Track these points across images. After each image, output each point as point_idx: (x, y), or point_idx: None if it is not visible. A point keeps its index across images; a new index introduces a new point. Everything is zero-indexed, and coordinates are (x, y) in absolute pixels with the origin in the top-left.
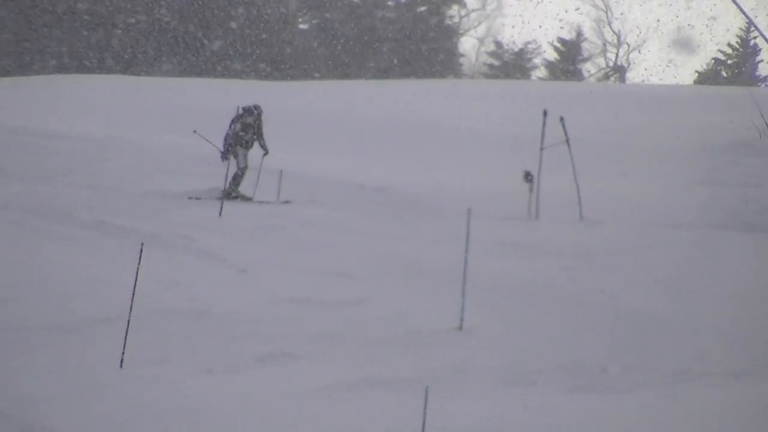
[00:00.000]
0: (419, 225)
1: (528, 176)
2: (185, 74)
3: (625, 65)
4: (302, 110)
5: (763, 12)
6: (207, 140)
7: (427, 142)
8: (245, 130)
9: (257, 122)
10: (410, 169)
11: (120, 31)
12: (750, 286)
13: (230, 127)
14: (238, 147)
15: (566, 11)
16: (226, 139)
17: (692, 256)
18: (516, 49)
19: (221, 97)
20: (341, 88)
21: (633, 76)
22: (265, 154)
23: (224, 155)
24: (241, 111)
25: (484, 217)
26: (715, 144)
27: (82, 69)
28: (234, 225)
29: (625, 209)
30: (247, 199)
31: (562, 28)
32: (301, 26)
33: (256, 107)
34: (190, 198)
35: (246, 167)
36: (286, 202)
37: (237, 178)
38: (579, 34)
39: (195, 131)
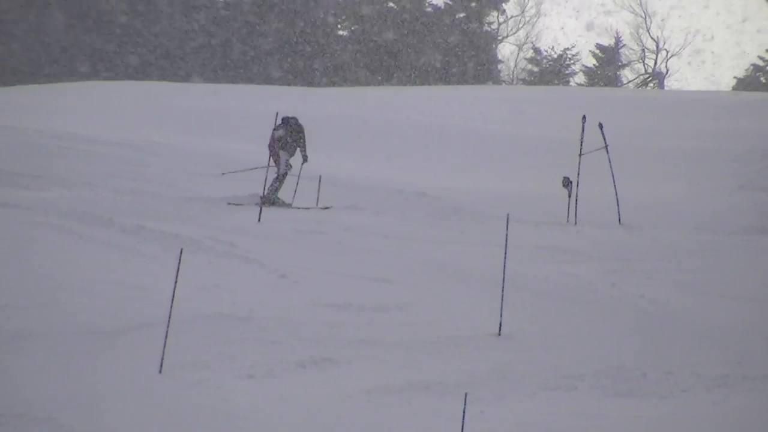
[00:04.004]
0: (459, 230)
1: (566, 182)
2: (224, 80)
3: (664, 71)
4: (341, 116)
5: None
6: (238, 171)
7: (466, 148)
8: (286, 137)
9: (295, 134)
10: (450, 174)
11: (161, 39)
12: None
13: (273, 133)
14: (280, 151)
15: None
16: (269, 146)
17: (733, 261)
18: (555, 56)
19: (262, 103)
20: (379, 94)
21: (672, 82)
22: (304, 162)
23: (276, 161)
24: (281, 120)
25: (523, 222)
26: (756, 149)
27: (123, 75)
28: (273, 230)
29: (664, 214)
30: (286, 206)
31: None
32: (340, 32)
33: (293, 119)
34: (229, 204)
35: (286, 173)
36: (326, 208)
37: (275, 184)
38: (617, 40)
39: (223, 173)
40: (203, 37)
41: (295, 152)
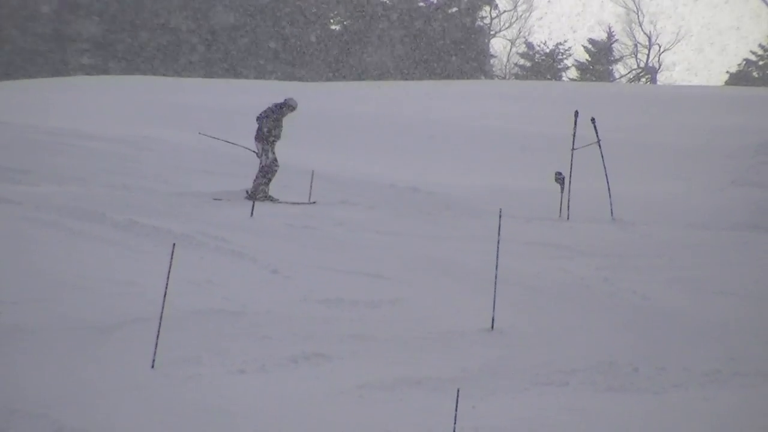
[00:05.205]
0: (451, 225)
1: (559, 177)
2: (217, 75)
3: (656, 66)
4: (333, 111)
5: None
6: (214, 138)
7: (458, 143)
8: (264, 125)
9: (263, 121)
10: (442, 169)
11: (153, 33)
12: None
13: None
14: (256, 142)
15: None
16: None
17: (725, 256)
18: (547, 50)
19: (255, 98)
20: (372, 89)
21: (664, 77)
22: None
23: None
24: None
25: (515, 218)
26: (748, 145)
27: (116, 70)
28: (266, 226)
29: (656, 210)
30: (272, 201)
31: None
32: (333, 27)
33: (284, 104)
34: (215, 199)
35: (269, 165)
36: (312, 203)
37: (258, 178)
38: (610, 35)
39: (200, 132)
40: (198, 32)
41: (274, 142)
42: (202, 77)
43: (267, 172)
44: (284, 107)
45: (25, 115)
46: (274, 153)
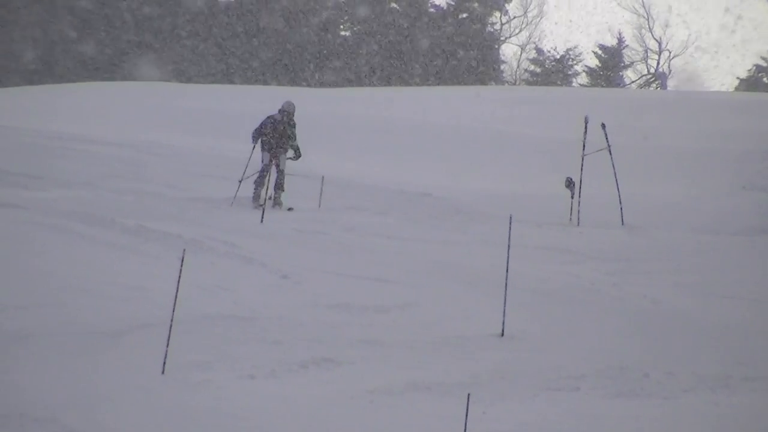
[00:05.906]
0: (461, 230)
1: (569, 182)
2: (228, 81)
3: (667, 72)
4: (343, 117)
5: None
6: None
7: (468, 148)
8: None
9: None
10: (452, 174)
11: (163, 39)
12: None
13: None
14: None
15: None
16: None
17: (733, 260)
18: (557, 56)
19: (262, 103)
20: (382, 95)
21: (674, 82)
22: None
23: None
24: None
25: (525, 223)
26: (758, 150)
27: (127, 76)
28: (275, 231)
29: (666, 215)
30: (260, 207)
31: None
32: (343, 33)
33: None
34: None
35: (260, 173)
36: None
37: (255, 184)
38: (620, 41)
39: (240, 180)
40: (203, 38)
41: (265, 148)
42: (208, 83)
43: (259, 178)
44: (282, 114)
45: (32, 120)
46: (265, 161)
